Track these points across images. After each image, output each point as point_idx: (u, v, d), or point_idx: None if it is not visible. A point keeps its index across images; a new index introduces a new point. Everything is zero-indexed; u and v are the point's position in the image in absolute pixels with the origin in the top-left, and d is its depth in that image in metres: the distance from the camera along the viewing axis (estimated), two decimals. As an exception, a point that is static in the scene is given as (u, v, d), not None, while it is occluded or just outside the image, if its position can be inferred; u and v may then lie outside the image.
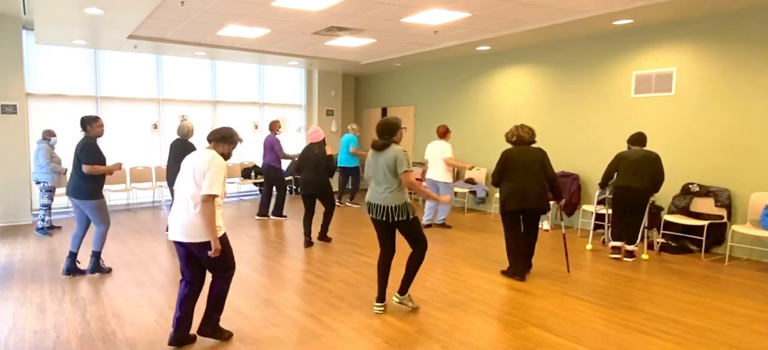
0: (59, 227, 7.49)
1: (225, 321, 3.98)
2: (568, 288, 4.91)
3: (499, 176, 5.25)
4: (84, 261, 5.32)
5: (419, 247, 4.19)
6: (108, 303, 4.42)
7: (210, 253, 3.38)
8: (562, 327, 3.96)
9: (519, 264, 5.24)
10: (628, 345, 3.66)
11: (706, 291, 4.87)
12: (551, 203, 6.16)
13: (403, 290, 4.29)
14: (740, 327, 4.00)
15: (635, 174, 5.73)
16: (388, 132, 4.11)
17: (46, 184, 7.01)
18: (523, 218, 5.26)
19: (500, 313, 4.26)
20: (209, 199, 3.33)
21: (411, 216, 4.08)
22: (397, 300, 4.32)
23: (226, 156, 3.58)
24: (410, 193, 4.26)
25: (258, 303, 4.45)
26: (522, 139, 5.23)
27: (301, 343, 3.65)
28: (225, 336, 3.70)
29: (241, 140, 3.73)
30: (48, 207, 7.17)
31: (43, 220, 7.15)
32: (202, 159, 3.41)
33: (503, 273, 5.38)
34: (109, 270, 5.29)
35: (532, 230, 5.30)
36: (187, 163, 3.50)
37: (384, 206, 4.05)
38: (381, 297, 4.29)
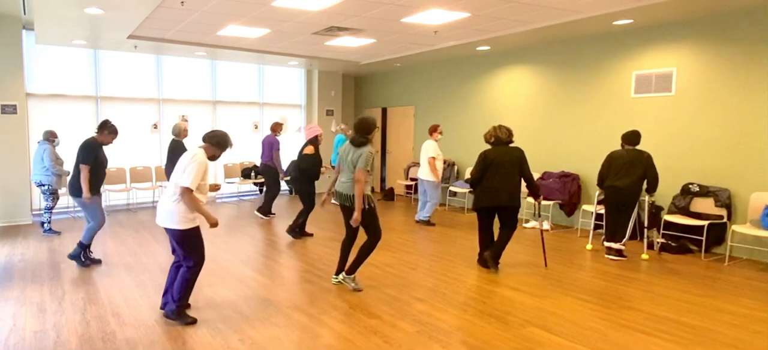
0: (59, 233, 7.40)
1: (225, 321, 3.99)
2: (567, 288, 4.91)
3: (479, 176, 5.39)
4: (97, 252, 5.67)
5: (371, 236, 4.65)
6: (108, 303, 4.42)
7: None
8: (562, 327, 3.96)
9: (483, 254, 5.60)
10: (628, 345, 3.66)
11: (706, 291, 4.87)
12: (531, 200, 6.23)
13: (351, 270, 4.76)
14: (740, 327, 4.00)
15: (623, 174, 5.78)
16: (366, 131, 4.53)
17: (49, 187, 7.01)
18: (498, 215, 5.44)
19: (500, 313, 4.26)
20: (185, 191, 3.70)
21: (367, 207, 4.50)
22: (341, 278, 4.80)
23: (214, 158, 3.94)
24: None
25: (258, 303, 4.46)
26: (500, 139, 5.38)
27: (301, 343, 3.65)
28: (187, 321, 3.92)
29: (231, 146, 4.04)
30: (51, 209, 7.17)
31: (48, 222, 7.15)
32: (186, 156, 3.81)
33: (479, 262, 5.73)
34: (88, 264, 5.48)
35: (507, 226, 5.41)
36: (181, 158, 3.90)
37: (346, 195, 4.55)
38: (338, 271, 4.88)
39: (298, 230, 6.87)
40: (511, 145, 5.38)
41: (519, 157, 5.27)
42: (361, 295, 4.65)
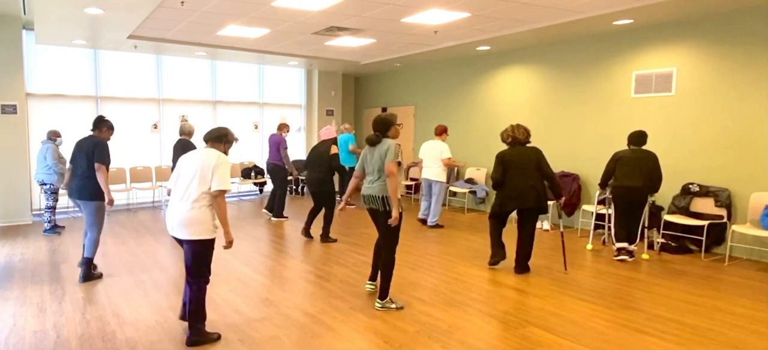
0: (63, 227, 7.50)
1: (225, 321, 3.99)
2: (568, 288, 4.91)
3: (499, 178, 5.30)
4: (97, 251, 5.17)
5: (388, 248, 4.25)
6: (108, 303, 4.42)
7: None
8: (562, 327, 3.96)
9: (497, 254, 5.49)
10: (628, 345, 3.66)
11: (706, 291, 4.87)
12: (551, 202, 6.20)
13: (383, 295, 4.32)
14: (740, 327, 4.00)
15: (633, 174, 5.75)
16: (382, 128, 4.33)
17: (52, 185, 7.03)
18: (521, 217, 5.34)
19: (500, 313, 4.26)
20: (221, 194, 3.47)
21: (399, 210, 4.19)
22: (379, 305, 4.31)
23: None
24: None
25: (258, 303, 4.45)
26: (517, 140, 5.31)
27: (301, 343, 3.65)
28: (213, 337, 3.68)
29: (236, 140, 3.81)
30: (53, 208, 7.18)
31: (48, 221, 7.16)
32: (209, 158, 3.51)
33: (490, 264, 5.60)
34: (100, 276, 5.14)
35: (529, 228, 5.35)
36: (190, 161, 3.57)
37: (377, 196, 4.23)
38: (373, 276, 4.69)
39: (315, 233, 6.99)
40: (529, 145, 5.33)
41: (537, 156, 5.19)
42: (361, 295, 4.65)
